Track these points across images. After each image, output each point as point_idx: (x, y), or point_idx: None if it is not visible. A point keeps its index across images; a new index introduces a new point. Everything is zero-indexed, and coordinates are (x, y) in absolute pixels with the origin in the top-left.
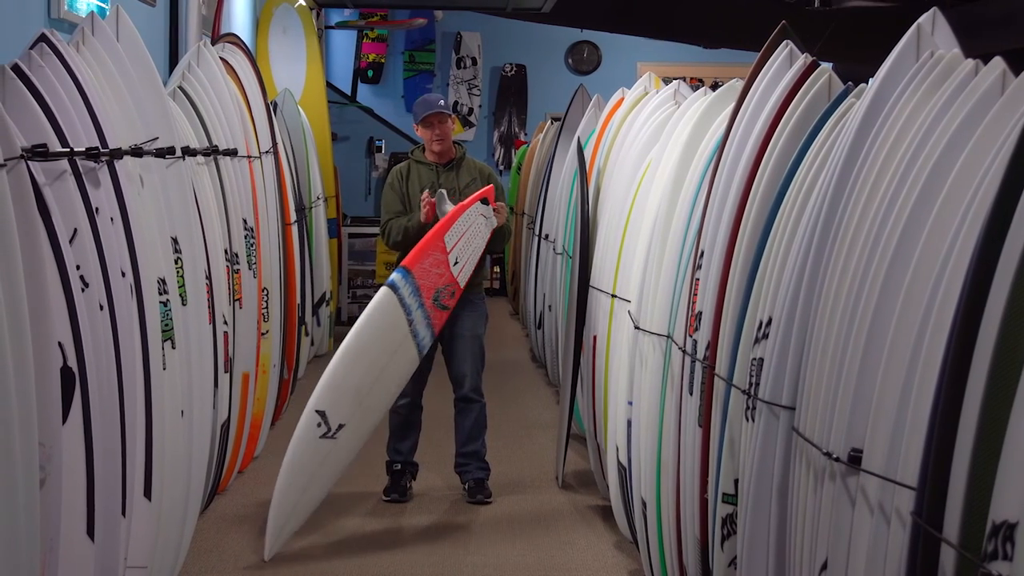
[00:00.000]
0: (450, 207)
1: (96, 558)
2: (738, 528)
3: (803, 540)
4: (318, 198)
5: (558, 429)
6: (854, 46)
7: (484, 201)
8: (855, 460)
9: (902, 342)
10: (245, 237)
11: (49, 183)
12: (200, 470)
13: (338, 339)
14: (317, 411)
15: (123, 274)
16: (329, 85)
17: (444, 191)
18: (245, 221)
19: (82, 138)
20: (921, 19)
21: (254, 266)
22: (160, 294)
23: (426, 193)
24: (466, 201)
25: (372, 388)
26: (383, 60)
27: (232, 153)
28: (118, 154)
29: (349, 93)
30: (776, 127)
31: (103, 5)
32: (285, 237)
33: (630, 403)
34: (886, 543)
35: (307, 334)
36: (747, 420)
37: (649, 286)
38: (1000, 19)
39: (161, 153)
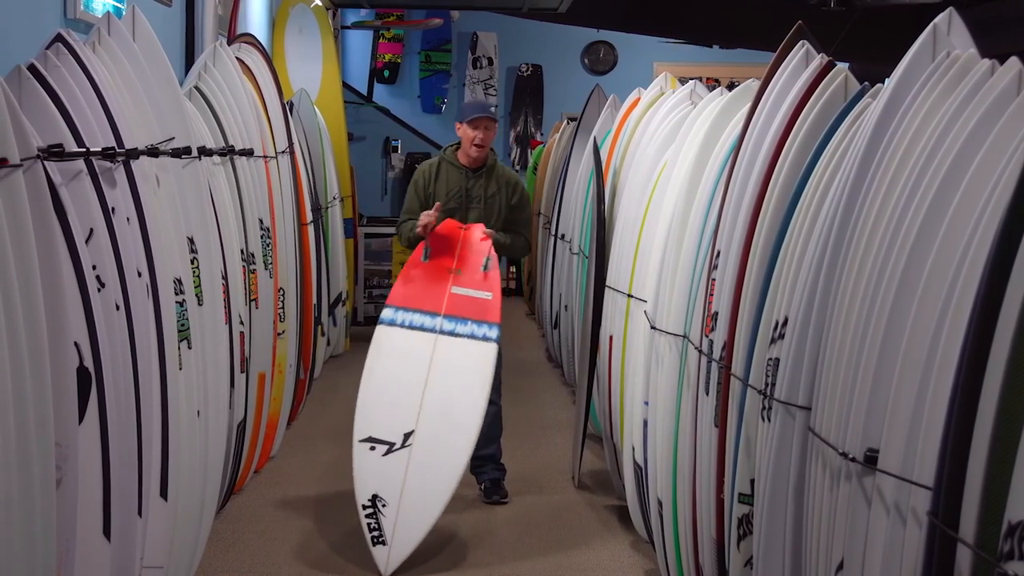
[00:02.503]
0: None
1: (112, 558)
2: (754, 528)
3: (819, 540)
4: (334, 198)
5: (574, 429)
6: (871, 46)
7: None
8: (871, 460)
9: (918, 342)
10: (261, 237)
11: (65, 183)
12: (216, 470)
13: (354, 339)
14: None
15: (139, 274)
16: (345, 85)
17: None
18: (261, 221)
19: (98, 138)
20: (937, 19)
21: (270, 266)
22: (176, 294)
23: (429, 215)
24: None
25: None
26: (399, 60)
27: (248, 153)
28: (134, 154)
29: (365, 93)
30: (792, 127)
31: (119, 5)
32: (301, 237)
33: (646, 403)
34: (902, 543)
35: (323, 334)
36: (763, 420)
37: (665, 286)
38: (1016, 19)
39: (177, 153)
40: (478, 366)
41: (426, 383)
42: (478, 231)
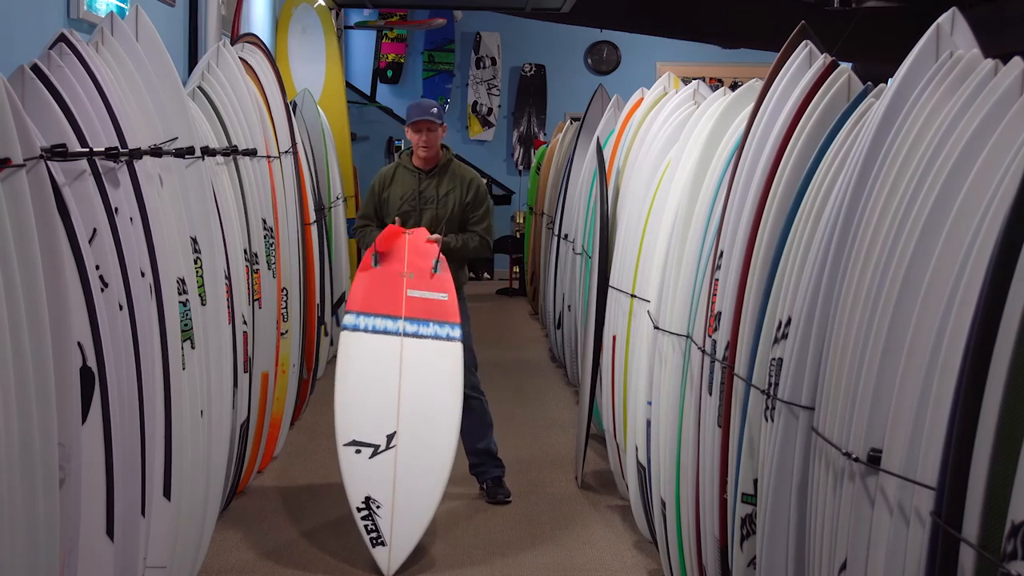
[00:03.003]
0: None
1: (115, 558)
2: (757, 528)
3: (822, 540)
4: (337, 198)
5: (577, 429)
6: (874, 46)
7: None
8: (874, 460)
9: (921, 342)
10: (264, 237)
11: (68, 183)
12: (219, 470)
13: None
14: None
15: (142, 274)
16: (348, 85)
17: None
18: (264, 221)
19: (101, 138)
20: (940, 19)
21: (273, 266)
22: (179, 294)
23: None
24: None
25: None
26: (402, 60)
27: (251, 153)
28: (137, 154)
29: (368, 93)
30: (795, 127)
31: (122, 5)
32: (304, 237)
33: (649, 403)
34: (905, 543)
35: (326, 334)
36: (766, 420)
37: (668, 286)
38: (1019, 19)
39: (180, 153)
40: (447, 365)
41: (400, 384)
42: (422, 235)
